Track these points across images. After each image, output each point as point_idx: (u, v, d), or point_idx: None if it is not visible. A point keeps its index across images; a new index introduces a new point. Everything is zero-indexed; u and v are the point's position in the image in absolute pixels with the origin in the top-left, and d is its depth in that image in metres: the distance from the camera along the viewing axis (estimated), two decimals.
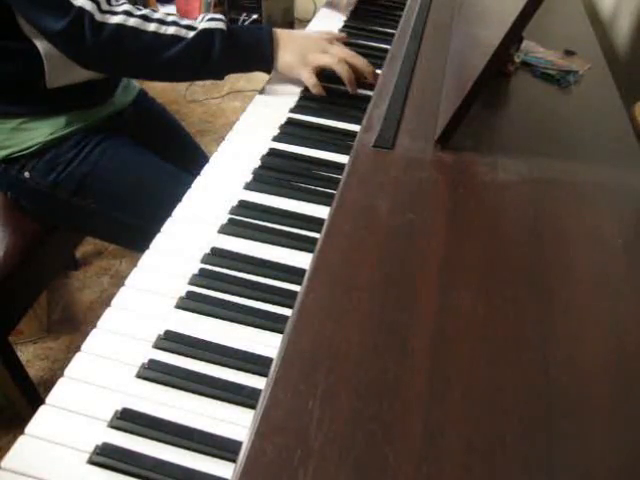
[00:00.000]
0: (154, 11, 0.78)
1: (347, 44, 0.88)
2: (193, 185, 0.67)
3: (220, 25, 0.78)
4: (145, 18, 0.76)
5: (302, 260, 0.57)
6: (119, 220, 0.89)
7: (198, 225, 0.62)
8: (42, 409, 0.45)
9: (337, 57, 0.81)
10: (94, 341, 0.50)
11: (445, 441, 0.36)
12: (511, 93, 0.76)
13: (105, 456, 0.42)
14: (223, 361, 0.48)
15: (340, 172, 0.61)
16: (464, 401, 0.38)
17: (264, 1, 2.34)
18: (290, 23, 2.59)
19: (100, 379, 0.47)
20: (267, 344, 0.50)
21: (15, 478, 0.40)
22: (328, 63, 0.81)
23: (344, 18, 1.09)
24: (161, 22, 0.77)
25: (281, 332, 0.49)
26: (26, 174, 0.87)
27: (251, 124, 0.78)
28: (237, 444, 0.43)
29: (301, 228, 0.61)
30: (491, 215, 0.54)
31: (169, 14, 0.79)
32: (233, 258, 0.58)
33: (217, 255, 0.58)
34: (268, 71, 0.83)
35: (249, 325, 0.52)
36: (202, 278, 0.56)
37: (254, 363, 0.48)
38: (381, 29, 1.06)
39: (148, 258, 0.58)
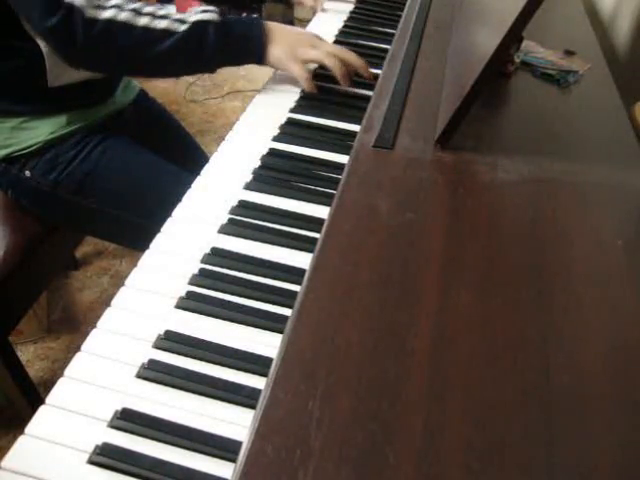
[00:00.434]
0: (147, 3, 0.77)
1: (347, 44, 0.88)
2: (193, 185, 0.67)
3: (213, 17, 0.77)
4: (136, 12, 0.75)
5: (302, 260, 0.57)
6: (120, 219, 0.89)
7: (198, 225, 0.62)
8: (42, 409, 0.45)
9: (327, 51, 0.81)
10: (94, 341, 0.50)
11: (445, 441, 0.36)
12: (511, 93, 0.76)
13: (105, 456, 0.42)
14: (223, 361, 0.48)
15: (340, 172, 0.61)
16: (464, 401, 0.38)
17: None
18: (290, 23, 2.59)
19: (100, 379, 0.47)
20: (267, 344, 0.50)
21: (15, 478, 0.40)
22: (318, 57, 0.81)
23: (344, 18, 1.09)
24: (153, 16, 0.75)
25: (281, 332, 0.49)
26: (27, 173, 0.87)
27: (251, 124, 0.78)
28: (237, 444, 0.43)
29: (301, 228, 0.61)
30: (491, 215, 0.54)
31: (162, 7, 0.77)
32: (233, 258, 0.58)
33: (217, 255, 0.58)
34: (259, 63, 0.83)
35: (249, 325, 0.52)
36: (202, 278, 0.56)
37: (254, 363, 0.48)
38: (381, 29, 1.06)
39: (148, 258, 0.58)
